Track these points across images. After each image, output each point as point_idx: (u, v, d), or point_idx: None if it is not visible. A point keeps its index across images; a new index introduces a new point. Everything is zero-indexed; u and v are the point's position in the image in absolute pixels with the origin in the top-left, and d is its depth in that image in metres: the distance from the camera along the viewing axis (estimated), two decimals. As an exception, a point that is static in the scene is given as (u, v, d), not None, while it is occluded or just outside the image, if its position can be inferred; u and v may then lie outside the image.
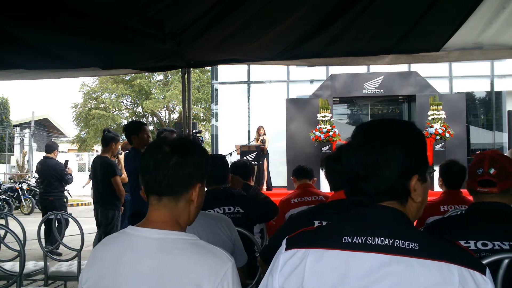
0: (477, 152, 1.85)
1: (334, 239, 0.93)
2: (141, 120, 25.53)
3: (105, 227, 4.58)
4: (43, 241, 3.33)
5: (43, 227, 3.33)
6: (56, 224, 3.76)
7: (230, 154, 10.00)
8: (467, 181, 1.63)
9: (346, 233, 0.92)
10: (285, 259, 0.96)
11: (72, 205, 14.66)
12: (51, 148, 6.03)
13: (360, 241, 0.90)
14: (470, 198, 1.69)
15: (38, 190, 12.91)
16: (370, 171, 0.93)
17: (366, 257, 0.88)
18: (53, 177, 5.84)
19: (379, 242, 0.89)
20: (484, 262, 1.28)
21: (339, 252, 0.91)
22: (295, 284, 0.93)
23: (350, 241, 0.91)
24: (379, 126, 1.00)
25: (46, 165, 5.88)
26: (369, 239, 0.90)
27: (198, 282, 1.04)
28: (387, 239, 0.89)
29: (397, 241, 0.88)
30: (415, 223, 2.95)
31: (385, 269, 0.87)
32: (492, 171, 1.51)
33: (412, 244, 0.88)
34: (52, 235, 5.45)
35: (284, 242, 1.00)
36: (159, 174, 1.12)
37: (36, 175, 13.70)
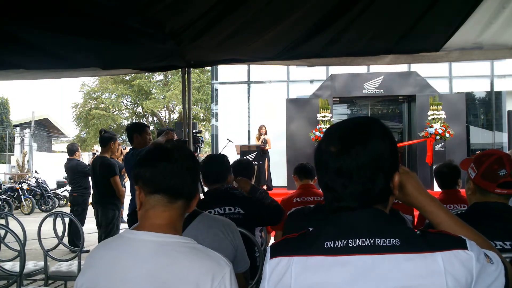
0: (477, 152, 1.82)
1: (317, 245, 0.92)
2: (141, 120, 25.56)
3: (105, 227, 4.58)
4: (43, 241, 3.32)
5: (43, 226, 3.34)
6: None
7: (223, 147, 10.06)
8: (480, 181, 1.55)
9: (328, 238, 0.91)
10: (271, 268, 0.96)
11: (72, 205, 14.66)
12: (72, 150, 6.66)
13: (341, 245, 0.89)
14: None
15: (38, 190, 12.98)
16: (362, 174, 0.91)
17: (349, 260, 0.88)
18: (77, 176, 6.38)
19: (360, 244, 0.88)
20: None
21: (322, 258, 0.90)
22: None
23: (332, 245, 0.90)
24: (361, 127, 0.97)
25: (69, 166, 6.53)
26: (350, 241, 0.89)
27: (196, 286, 1.04)
28: (368, 240, 0.88)
29: (378, 240, 0.88)
30: (415, 222, 2.93)
31: (369, 269, 0.86)
32: None
33: (393, 240, 0.88)
34: (72, 231, 5.60)
35: (268, 250, 1.00)
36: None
37: (36, 175, 13.84)
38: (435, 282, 0.84)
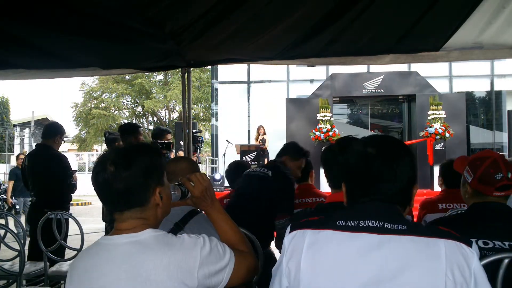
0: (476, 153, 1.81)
1: (330, 223, 1.03)
2: (141, 120, 25.55)
3: (109, 225, 4.62)
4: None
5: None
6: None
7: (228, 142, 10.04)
8: (477, 185, 1.55)
9: (341, 219, 1.02)
10: (288, 240, 1.07)
11: (72, 204, 14.61)
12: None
13: (353, 224, 0.99)
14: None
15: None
16: (390, 173, 1.03)
17: (358, 237, 0.97)
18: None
19: (370, 225, 0.98)
20: (484, 262, 1.28)
21: (333, 232, 1.00)
22: (295, 263, 1.02)
23: (343, 224, 1.00)
24: (393, 140, 1.13)
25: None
26: (361, 222, 0.99)
27: (177, 276, 1.07)
28: (377, 222, 0.98)
29: (387, 224, 0.97)
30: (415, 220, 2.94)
31: (375, 246, 0.95)
32: (510, 175, 1.50)
33: (400, 225, 0.97)
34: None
35: (288, 227, 1.10)
36: (112, 193, 1.12)
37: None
38: (435, 265, 0.91)
